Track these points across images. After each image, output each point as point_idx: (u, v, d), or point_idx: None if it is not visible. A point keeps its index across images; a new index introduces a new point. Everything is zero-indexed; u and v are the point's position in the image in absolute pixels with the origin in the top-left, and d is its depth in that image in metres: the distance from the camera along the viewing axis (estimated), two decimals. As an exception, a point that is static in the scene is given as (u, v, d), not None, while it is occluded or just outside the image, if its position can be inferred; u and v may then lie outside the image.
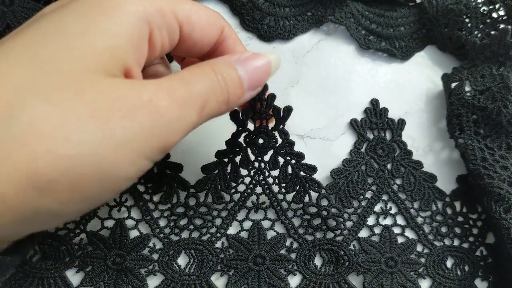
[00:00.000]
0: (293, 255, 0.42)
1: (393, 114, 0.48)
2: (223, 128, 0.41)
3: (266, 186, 0.42)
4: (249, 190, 0.42)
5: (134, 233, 0.40)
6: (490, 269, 0.44)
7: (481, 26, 0.49)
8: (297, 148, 0.41)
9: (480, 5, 0.50)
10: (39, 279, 0.38)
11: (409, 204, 0.44)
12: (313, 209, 0.42)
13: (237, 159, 0.41)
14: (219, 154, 0.41)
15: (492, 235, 0.45)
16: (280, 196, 0.42)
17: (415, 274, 0.43)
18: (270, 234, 0.42)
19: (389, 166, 0.45)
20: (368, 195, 0.44)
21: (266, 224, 0.42)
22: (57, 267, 0.39)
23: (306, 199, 0.42)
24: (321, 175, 0.45)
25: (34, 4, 0.44)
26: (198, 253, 0.40)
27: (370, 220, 0.44)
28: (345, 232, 0.43)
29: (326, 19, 0.49)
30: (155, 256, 0.40)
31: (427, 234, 0.44)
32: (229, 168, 0.41)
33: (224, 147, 0.40)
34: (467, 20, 0.49)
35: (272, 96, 0.37)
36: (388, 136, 0.46)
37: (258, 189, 0.43)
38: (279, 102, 0.42)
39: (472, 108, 0.45)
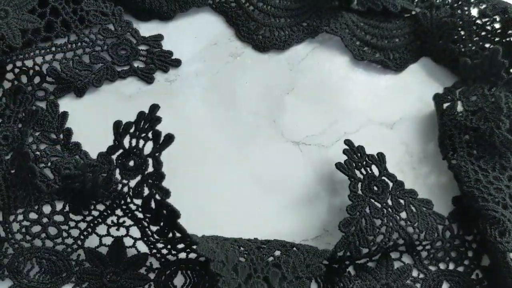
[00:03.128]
0: None
1: (387, 121, 0.48)
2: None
3: (128, 211, 0.39)
4: (108, 211, 0.40)
5: (132, 252, 0.40)
6: (485, 293, 0.43)
7: (475, 39, 0.49)
8: (292, 155, 0.42)
9: (474, 18, 0.49)
10: None
11: (416, 237, 0.43)
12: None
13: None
14: (85, 166, 0.39)
15: (487, 258, 0.44)
16: (145, 223, 0.39)
17: (411, 300, 0.42)
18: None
19: (389, 201, 0.44)
20: (379, 238, 0.42)
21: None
22: (54, 282, 0.39)
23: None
24: (316, 182, 0.44)
25: (29, 15, 0.44)
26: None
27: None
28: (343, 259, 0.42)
29: (321, 30, 0.50)
30: (152, 276, 0.40)
31: (422, 259, 0.43)
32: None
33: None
34: (461, 32, 0.49)
35: (157, 119, 0.36)
36: (375, 171, 0.45)
37: (119, 212, 0.40)
38: (275, 110, 0.44)
39: (465, 128, 0.45)
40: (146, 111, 0.38)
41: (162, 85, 0.47)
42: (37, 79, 0.45)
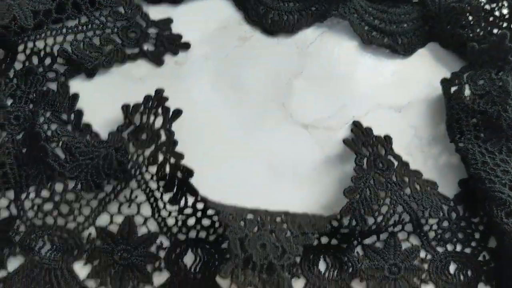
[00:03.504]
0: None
1: (395, 105, 0.48)
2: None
3: (142, 181, 0.42)
4: (123, 183, 0.42)
5: (142, 230, 0.41)
6: (493, 274, 0.43)
7: (483, 24, 0.49)
8: (301, 138, 0.43)
9: (482, 4, 0.49)
10: (46, 270, 0.39)
11: (420, 214, 0.43)
12: (188, 211, 0.42)
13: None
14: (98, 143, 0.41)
15: (494, 239, 0.44)
16: (158, 194, 0.42)
17: (418, 280, 0.42)
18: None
19: (394, 178, 0.44)
20: (383, 210, 0.43)
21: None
22: (65, 259, 0.39)
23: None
24: (325, 164, 0.45)
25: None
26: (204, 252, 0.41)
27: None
28: (351, 238, 0.42)
29: (329, 14, 0.50)
30: (162, 254, 0.40)
31: (430, 240, 0.44)
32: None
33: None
34: (469, 18, 0.49)
35: (164, 98, 0.42)
36: (382, 151, 0.45)
37: (133, 184, 0.42)
38: (283, 93, 0.45)
39: (472, 112, 0.45)
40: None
41: (172, 68, 0.47)
42: (48, 61, 0.45)
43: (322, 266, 0.42)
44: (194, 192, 0.41)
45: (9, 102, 0.43)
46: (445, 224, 0.44)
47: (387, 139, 0.45)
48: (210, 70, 0.47)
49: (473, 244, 0.44)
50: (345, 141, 0.45)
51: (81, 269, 0.39)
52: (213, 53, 0.48)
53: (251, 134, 0.45)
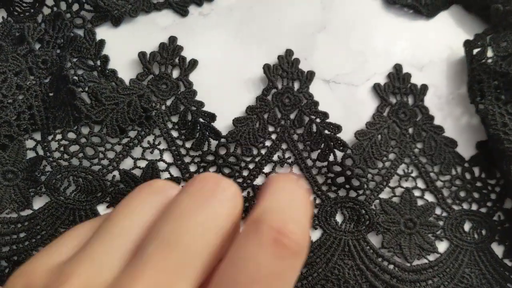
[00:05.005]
0: (315, 211, 0.42)
1: (417, 63, 0.48)
2: (256, 84, 0.44)
3: (292, 143, 0.43)
4: (275, 146, 0.43)
5: (164, 175, 0.42)
6: (507, 234, 0.44)
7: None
8: (322, 93, 0.43)
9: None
10: (71, 210, 0.40)
11: (430, 168, 0.45)
12: (337, 168, 0.42)
13: (265, 116, 0.43)
14: (249, 109, 0.43)
15: (510, 201, 0.45)
16: (305, 154, 0.43)
17: (433, 236, 0.43)
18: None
19: (410, 130, 0.45)
20: (391, 156, 0.44)
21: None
22: (89, 201, 0.40)
23: (331, 158, 0.42)
24: (346, 120, 0.45)
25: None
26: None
27: (392, 182, 0.44)
28: (367, 192, 0.43)
29: None
30: None
31: (445, 198, 0.44)
32: (257, 124, 0.43)
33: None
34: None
35: (179, 47, 0.45)
36: (410, 101, 0.46)
37: (284, 146, 0.43)
38: (306, 48, 0.46)
39: (494, 74, 0.45)
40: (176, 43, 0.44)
41: (196, 18, 0.47)
42: (75, 7, 0.45)
43: (339, 218, 0.43)
44: (217, 133, 0.42)
45: (37, 46, 0.44)
46: (459, 182, 0.45)
47: (422, 89, 0.46)
48: (234, 22, 0.47)
49: (489, 204, 0.45)
50: (374, 86, 0.46)
51: (104, 211, 0.40)
52: (237, 5, 0.48)
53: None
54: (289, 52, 0.46)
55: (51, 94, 0.42)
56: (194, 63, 0.44)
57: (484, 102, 0.45)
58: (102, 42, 0.44)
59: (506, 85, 0.45)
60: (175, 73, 0.44)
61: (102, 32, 0.45)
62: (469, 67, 0.46)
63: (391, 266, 0.42)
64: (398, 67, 0.47)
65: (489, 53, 0.46)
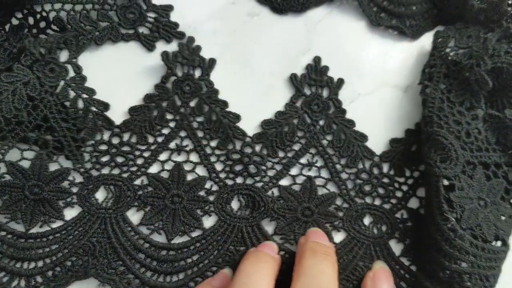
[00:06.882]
0: (211, 197, 0.44)
1: (401, 84, 0.49)
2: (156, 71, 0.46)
3: (191, 131, 0.45)
4: (173, 133, 0.45)
5: (54, 166, 0.43)
6: (408, 233, 0.44)
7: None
8: None
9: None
10: (102, 219, 0.43)
11: (336, 160, 0.45)
12: (236, 156, 0.44)
13: (164, 104, 0.45)
14: (147, 97, 0.45)
15: (414, 200, 0.45)
16: (204, 142, 0.45)
17: (330, 226, 0.44)
18: (192, 176, 0.44)
19: (321, 122, 0.46)
20: (296, 147, 0.45)
21: (188, 166, 0.44)
22: (119, 207, 0.43)
23: (230, 146, 0.44)
24: None
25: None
26: (116, 189, 0.43)
27: (294, 171, 0.45)
28: (265, 179, 0.44)
29: None
30: (74, 189, 0.43)
31: (349, 190, 0.44)
32: (155, 112, 0.44)
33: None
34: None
35: (198, 48, 0.46)
36: (325, 94, 0.47)
37: (183, 133, 0.45)
38: (291, 70, 0.47)
39: (447, 61, 0.45)
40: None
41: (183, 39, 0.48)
42: (42, 24, 0.46)
43: (235, 205, 0.44)
44: (243, 135, 0.45)
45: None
46: (365, 176, 0.45)
47: (338, 83, 0.47)
48: (218, 45, 0.48)
49: (393, 201, 0.45)
50: (291, 77, 0.47)
51: (133, 215, 0.43)
52: (221, 28, 0.49)
53: (256, 109, 0.47)
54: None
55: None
56: (213, 62, 0.46)
57: (430, 85, 0.45)
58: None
59: (455, 74, 0.45)
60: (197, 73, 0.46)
61: (65, 54, 0.46)
62: (430, 53, 0.47)
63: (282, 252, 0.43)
64: (317, 60, 0.47)
65: (452, 44, 0.47)
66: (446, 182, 0.40)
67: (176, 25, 0.48)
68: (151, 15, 0.48)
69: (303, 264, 0.38)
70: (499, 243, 0.40)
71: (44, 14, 0.47)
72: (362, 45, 0.49)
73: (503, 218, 0.41)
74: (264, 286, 0.36)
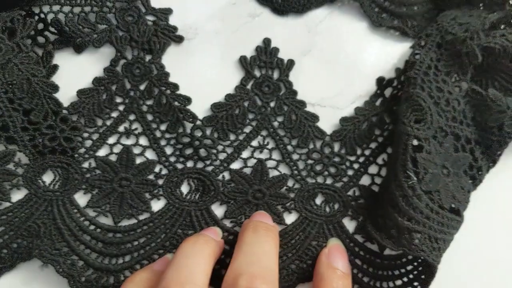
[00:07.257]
0: (160, 181, 0.43)
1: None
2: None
3: (140, 114, 0.44)
4: (122, 117, 0.45)
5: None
6: (360, 210, 0.43)
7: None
8: None
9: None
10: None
11: (287, 141, 0.45)
12: (186, 139, 0.44)
13: (114, 87, 0.45)
14: (96, 80, 0.45)
15: (366, 177, 0.45)
16: (154, 125, 0.44)
17: (282, 208, 0.43)
18: (141, 159, 0.44)
19: (272, 103, 0.46)
20: (247, 130, 0.45)
21: (137, 150, 0.44)
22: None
23: (180, 129, 0.44)
24: None
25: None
26: (64, 171, 0.43)
27: (245, 154, 0.45)
28: (216, 163, 0.44)
29: None
30: (20, 171, 0.43)
31: (300, 170, 0.44)
32: (104, 95, 0.44)
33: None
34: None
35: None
36: (276, 75, 0.47)
37: (132, 116, 0.45)
38: (291, 71, 0.47)
39: (444, 31, 0.46)
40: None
41: (181, 43, 0.49)
42: (40, 26, 0.47)
43: (185, 189, 0.44)
44: (193, 118, 0.45)
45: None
46: (316, 155, 0.45)
47: (289, 64, 0.47)
48: (219, 45, 0.48)
49: (345, 179, 0.44)
50: (240, 58, 0.47)
51: (81, 198, 0.42)
52: (222, 28, 0.49)
53: (207, 93, 0.46)
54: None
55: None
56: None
57: (421, 51, 0.45)
58: (55, 67, 0.46)
59: (447, 45, 0.45)
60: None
61: (63, 56, 0.47)
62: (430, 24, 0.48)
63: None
64: (266, 41, 0.48)
65: (453, 20, 0.47)
66: (415, 143, 0.40)
67: (175, 28, 0.48)
68: (150, 18, 0.48)
69: (244, 240, 0.37)
70: (454, 214, 0.40)
71: (42, 16, 0.47)
72: (363, 46, 0.50)
73: (461, 190, 0.41)
74: (202, 267, 0.35)
